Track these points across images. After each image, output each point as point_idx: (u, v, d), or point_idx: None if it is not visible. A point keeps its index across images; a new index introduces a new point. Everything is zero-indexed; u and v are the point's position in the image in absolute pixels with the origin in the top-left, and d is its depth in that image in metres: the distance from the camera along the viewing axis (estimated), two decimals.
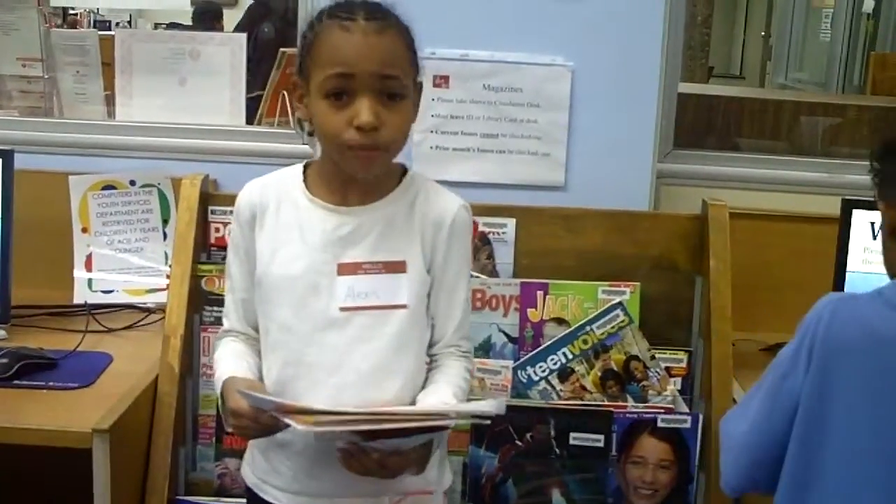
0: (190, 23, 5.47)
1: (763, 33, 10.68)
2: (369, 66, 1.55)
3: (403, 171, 1.72)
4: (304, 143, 1.72)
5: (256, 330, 1.73)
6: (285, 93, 2.86)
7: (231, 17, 6.70)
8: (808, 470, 1.58)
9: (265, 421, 1.55)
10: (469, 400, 1.74)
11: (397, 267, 1.64)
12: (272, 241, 1.67)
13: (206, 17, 6.06)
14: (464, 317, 1.74)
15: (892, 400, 1.53)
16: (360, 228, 1.65)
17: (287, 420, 1.48)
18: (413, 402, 1.66)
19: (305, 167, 1.73)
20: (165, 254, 2.55)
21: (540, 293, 2.29)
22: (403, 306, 1.64)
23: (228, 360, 1.70)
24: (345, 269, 1.63)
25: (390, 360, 1.64)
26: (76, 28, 5.93)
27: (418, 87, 1.67)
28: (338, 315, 1.62)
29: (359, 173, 1.63)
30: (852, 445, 1.55)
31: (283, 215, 1.68)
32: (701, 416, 2.18)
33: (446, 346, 1.73)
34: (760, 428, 1.64)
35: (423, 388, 1.69)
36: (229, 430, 1.68)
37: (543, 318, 2.29)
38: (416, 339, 1.68)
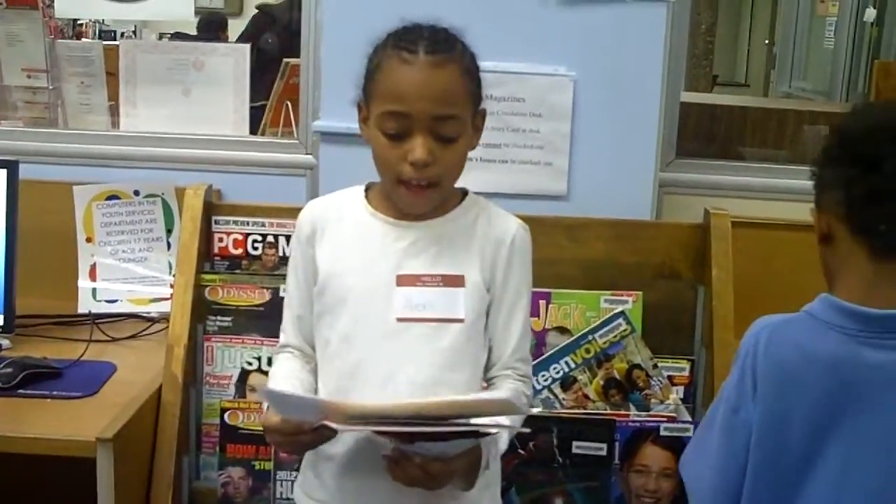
0: (195, 33, 5.47)
1: (767, 41, 10.68)
2: (426, 107, 1.57)
3: (465, 193, 1.75)
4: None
5: (312, 346, 1.75)
6: (289, 103, 2.86)
7: (235, 26, 6.71)
8: (768, 493, 1.57)
9: (289, 430, 1.55)
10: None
11: (456, 281, 1.65)
12: (332, 253, 1.70)
13: (211, 28, 6.08)
14: (522, 337, 1.74)
15: (831, 418, 1.53)
16: (420, 241, 1.67)
17: (322, 422, 1.49)
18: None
19: (367, 188, 1.75)
20: (169, 263, 2.55)
21: (542, 302, 2.29)
22: (460, 320, 1.65)
23: (277, 381, 1.71)
24: (404, 281, 1.65)
25: (445, 374, 1.64)
26: (81, 39, 5.94)
27: (482, 114, 1.70)
28: (395, 326, 1.63)
29: (410, 209, 1.66)
30: (810, 466, 1.54)
31: (343, 228, 1.71)
32: None
33: (503, 369, 1.73)
34: (727, 466, 1.62)
35: None
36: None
37: (546, 326, 2.29)
38: (472, 355, 1.68)
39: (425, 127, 1.58)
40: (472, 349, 1.68)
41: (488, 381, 1.75)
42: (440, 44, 1.62)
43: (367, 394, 1.63)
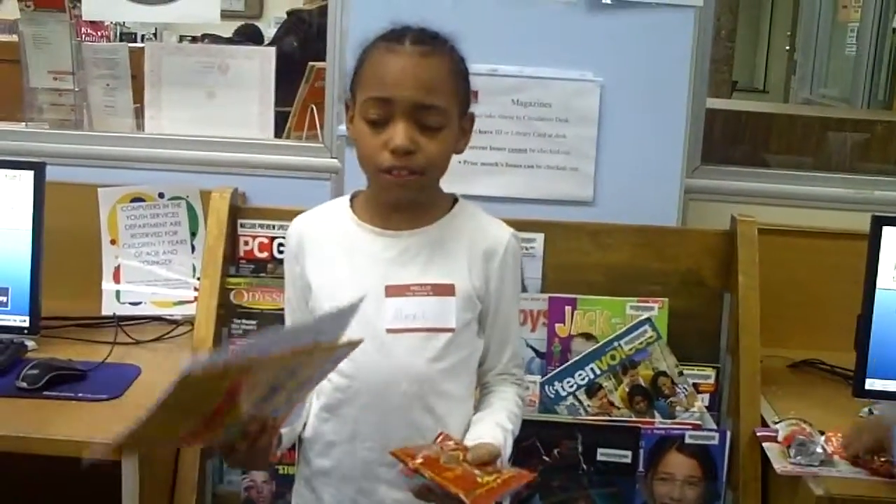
0: (225, 35, 5.46)
1: (787, 48, 10.64)
2: (407, 94, 1.55)
3: (454, 200, 1.73)
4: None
5: None
6: (314, 107, 2.86)
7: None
8: None
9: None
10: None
11: (446, 290, 1.64)
12: (321, 266, 1.68)
13: (248, 40, 6.06)
14: (517, 345, 1.76)
15: None
16: (408, 251, 1.65)
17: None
18: (465, 428, 1.66)
19: (353, 197, 1.73)
20: (193, 266, 2.56)
21: (568, 308, 2.28)
22: (451, 330, 1.63)
23: None
24: (393, 291, 1.63)
25: (436, 384, 1.63)
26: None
27: (470, 117, 1.68)
28: (385, 337, 1.62)
29: (393, 198, 1.64)
30: None
31: (330, 241, 1.69)
32: (729, 433, 2.18)
33: (500, 374, 1.74)
34: None
35: (476, 411, 1.70)
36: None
37: (571, 333, 2.29)
38: (463, 362, 1.67)
39: (407, 114, 1.55)
40: (462, 356, 1.67)
41: (484, 386, 1.75)
42: (427, 38, 1.60)
43: (360, 407, 1.63)
